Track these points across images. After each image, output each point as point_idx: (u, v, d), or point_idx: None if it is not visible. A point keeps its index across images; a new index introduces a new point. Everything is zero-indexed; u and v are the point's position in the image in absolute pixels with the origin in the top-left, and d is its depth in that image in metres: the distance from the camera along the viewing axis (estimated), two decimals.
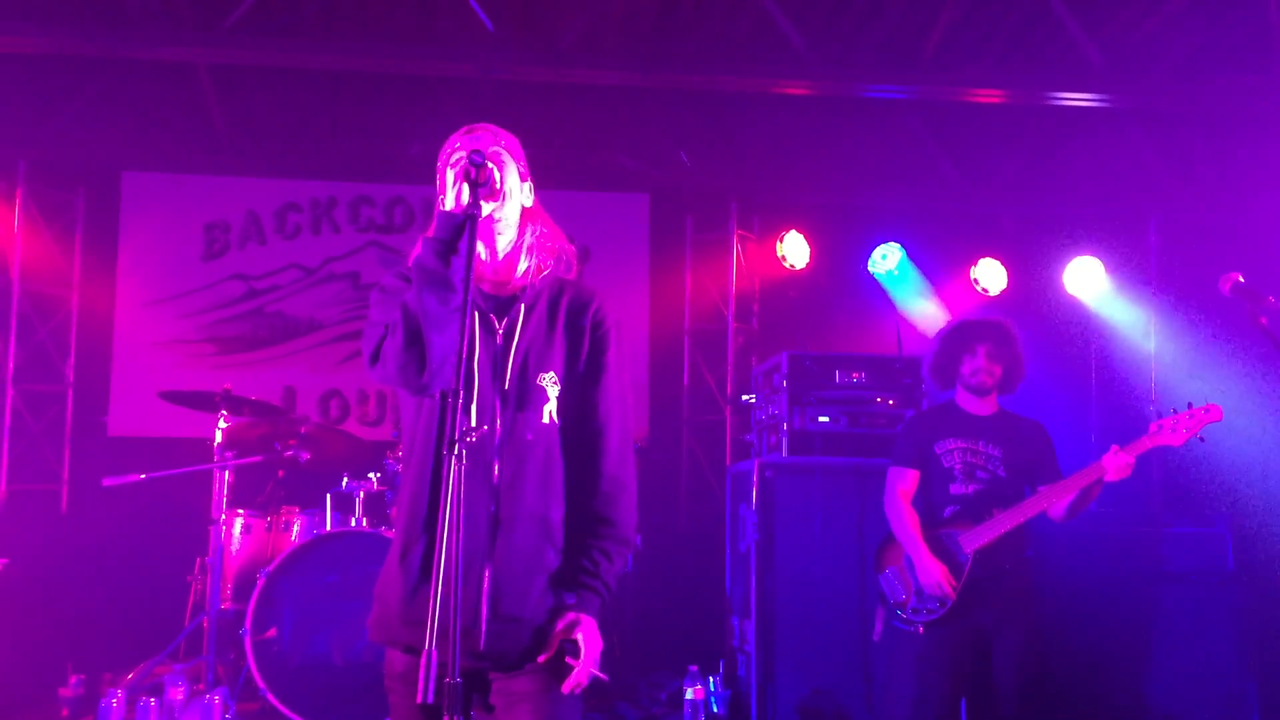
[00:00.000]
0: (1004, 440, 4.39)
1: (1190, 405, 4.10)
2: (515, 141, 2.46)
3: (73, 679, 5.47)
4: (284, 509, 5.85)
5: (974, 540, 4.23)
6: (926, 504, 4.42)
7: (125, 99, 7.04)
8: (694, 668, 5.46)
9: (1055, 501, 4.23)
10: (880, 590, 4.47)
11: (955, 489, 4.35)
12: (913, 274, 7.22)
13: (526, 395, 2.37)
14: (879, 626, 4.47)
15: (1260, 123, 6.62)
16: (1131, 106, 6.63)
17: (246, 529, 5.81)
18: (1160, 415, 4.14)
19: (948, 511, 4.35)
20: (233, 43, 5.96)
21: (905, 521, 4.38)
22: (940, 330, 4.65)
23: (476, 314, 2.38)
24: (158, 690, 5.11)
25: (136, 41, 5.95)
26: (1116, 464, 4.09)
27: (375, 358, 2.29)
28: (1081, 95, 6.30)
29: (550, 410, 2.39)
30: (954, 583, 4.21)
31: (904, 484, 4.45)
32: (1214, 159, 7.25)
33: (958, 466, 4.37)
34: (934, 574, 4.22)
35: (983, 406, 4.46)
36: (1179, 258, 7.27)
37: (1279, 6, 5.70)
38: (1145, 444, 4.11)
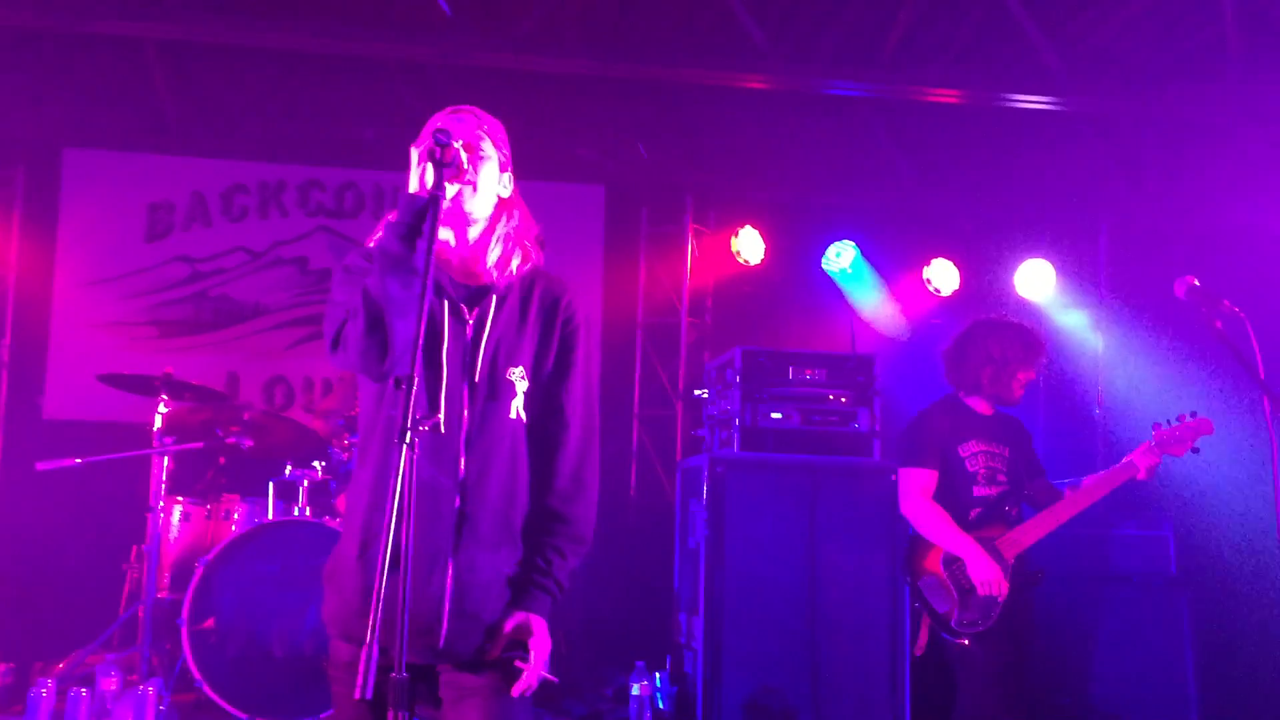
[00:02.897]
0: (1009, 440, 4.29)
1: (1183, 416, 4.05)
2: (500, 127, 2.39)
3: (1, 667, 5.32)
4: (224, 497, 5.73)
5: (1013, 545, 4.07)
6: (948, 507, 4.18)
7: (68, 74, 6.85)
8: (641, 663, 5.42)
9: (1090, 503, 4.12)
10: (924, 600, 4.14)
11: (979, 491, 4.19)
12: (867, 272, 7.23)
13: (495, 389, 2.31)
14: (924, 638, 4.16)
15: (1212, 131, 6.71)
16: (1086, 111, 6.67)
17: (185, 517, 5.67)
18: (1157, 424, 4.09)
19: (972, 514, 4.17)
20: (181, 18, 5.81)
21: (942, 522, 4.11)
22: (997, 331, 4.29)
23: (446, 303, 2.31)
24: (89, 680, 4.97)
25: (81, 14, 5.78)
26: (1149, 463, 4.05)
27: (336, 343, 2.23)
28: (1037, 99, 6.33)
29: (517, 406, 2.33)
30: (1007, 585, 4.01)
31: (928, 485, 4.20)
32: (1166, 166, 7.33)
33: (981, 470, 4.21)
34: (991, 572, 3.98)
35: (987, 406, 4.33)
36: (1129, 263, 7.35)
37: (1235, 17, 5.76)
38: (1168, 449, 4.06)
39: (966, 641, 4.01)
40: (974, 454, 4.22)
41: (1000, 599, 3.99)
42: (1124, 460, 4.13)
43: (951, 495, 4.19)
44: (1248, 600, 5.72)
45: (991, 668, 4.00)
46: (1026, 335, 4.27)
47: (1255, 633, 5.66)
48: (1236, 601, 5.79)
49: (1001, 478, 4.21)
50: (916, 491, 4.19)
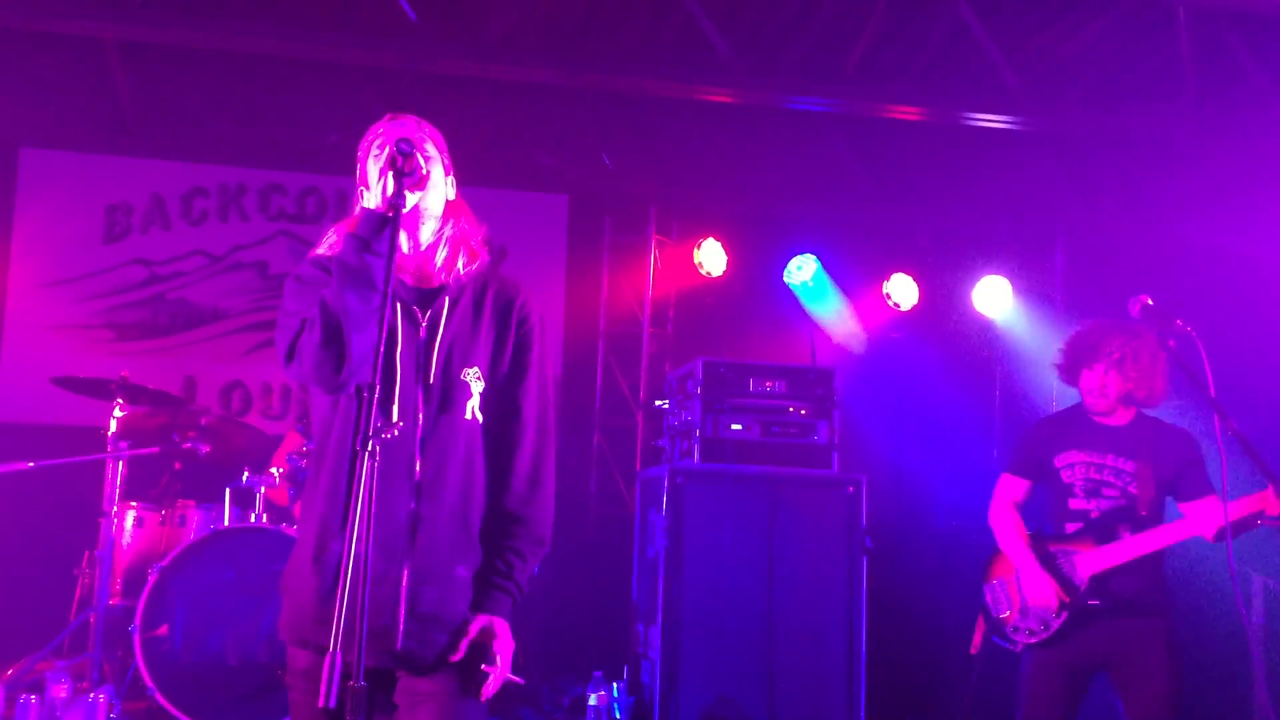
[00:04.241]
0: (1141, 453, 3.90)
1: None
2: (438, 133, 2.42)
3: None
4: (179, 502, 5.66)
5: (1092, 564, 3.82)
6: (1048, 517, 4.01)
7: (26, 73, 6.75)
8: (598, 673, 5.42)
9: (1204, 528, 3.77)
10: (984, 601, 4.08)
11: (1075, 505, 3.94)
12: (828, 286, 7.28)
13: (450, 391, 2.31)
14: (978, 638, 4.07)
15: (1167, 150, 6.82)
16: (1044, 130, 6.77)
17: (139, 522, 5.60)
18: None
19: (1070, 528, 3.93)
20: (143, 19, 5.76)
21: (1012, 532, 4.00)
22: (1084, 328, 4.10)
23: (399, 306, 2.32)
24: (39, 687, 4.89)
25: (40, 12, 5.72)
26: None
27: (290, 355, 2.22)
28: (996, 117, 6.42)
29: (473, 406, 2.33)
30: (1065, 602, 3.82)
31: (1014, 492, 4.08)
32: (1121, 184, 7.45)
33: (1078, 482, 3.94)
34: (1044, 591, 3.83)
35: (1117, 415, 3.98)
36: (1084, 280, 7.45)
37: (1190, 38, 5.86)
38: None
39: (1018, 648, 3.92)
40: (1071, 465, 3.97)
41: (1050, 620, 3.84)
42: (1265, 490, 3.59)
43: (1050, 506, 4.02)
44: (1199, 619, 5.78)
45: (1033, 677, 3.89)
46: (1096, 338, 4.00)
47: (1207, 653, 5.73)
48: (1187, 621, 5.85)
49: (1110, 492, 3.90)
50: (1002, 499, 4.10)
